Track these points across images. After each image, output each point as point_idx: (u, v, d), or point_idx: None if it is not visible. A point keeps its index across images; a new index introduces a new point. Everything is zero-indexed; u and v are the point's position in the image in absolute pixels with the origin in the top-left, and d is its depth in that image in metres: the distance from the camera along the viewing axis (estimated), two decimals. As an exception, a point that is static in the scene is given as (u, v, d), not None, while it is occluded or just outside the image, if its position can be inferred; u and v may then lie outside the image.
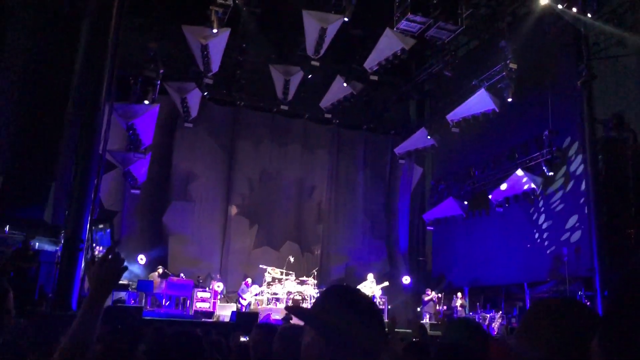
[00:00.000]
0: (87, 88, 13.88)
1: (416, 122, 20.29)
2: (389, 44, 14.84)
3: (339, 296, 1.50)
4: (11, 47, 13.43)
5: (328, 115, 19.31)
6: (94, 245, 13.35)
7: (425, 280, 18.97)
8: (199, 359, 1.99)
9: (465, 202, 18.27)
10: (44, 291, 12.54)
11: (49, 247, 13.47)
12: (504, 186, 15.93)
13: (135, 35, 15.60)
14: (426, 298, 16.64)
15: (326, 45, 15.43)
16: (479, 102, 15.82)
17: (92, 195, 13.71)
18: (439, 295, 16.88)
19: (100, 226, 14.87)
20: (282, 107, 18.53)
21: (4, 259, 11.66)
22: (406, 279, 18.67)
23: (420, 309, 16.57)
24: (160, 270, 15.46)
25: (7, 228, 12.69)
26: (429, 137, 18.26)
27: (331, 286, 1.58)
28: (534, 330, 1.30)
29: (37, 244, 13.09)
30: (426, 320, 15.80)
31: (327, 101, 18.52)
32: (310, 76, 17.65)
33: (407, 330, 10.73)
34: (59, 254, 12.85)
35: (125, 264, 1.72)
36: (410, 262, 20.49)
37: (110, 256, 1.63)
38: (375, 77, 16.35)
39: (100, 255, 1.66)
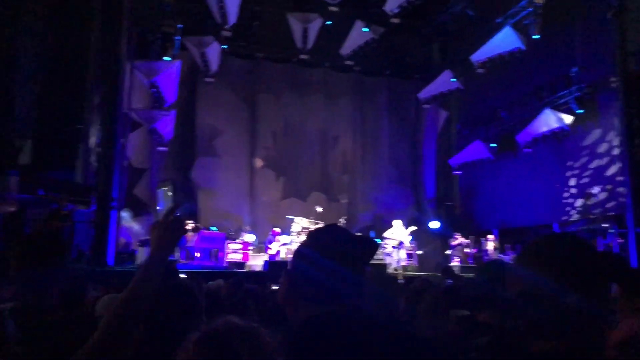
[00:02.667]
0: (106, 47, 13.88)
1: (440, 65, 19.81)
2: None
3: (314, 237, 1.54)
4: (29, 10, 13.40)
5: (349, 63, 18.99)
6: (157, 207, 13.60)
7: (454, 224, 18.96)
8: (196, 309, 2.02)
9: (493, 145, 18.02)
10: (80, 249, 12.96)
11: (81, 207, 13.79)
12: (533, 126, 15.63)
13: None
14: (454, 242, 16.69)
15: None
16: (504, 40, 15.33)
17: (120, 155, 13.94)
18: (467, 239, 16.92)
19: (164, 188, 15.08)
20: (302, 56, 18.28)
21: (40, 219, 12.01)
22: (435, 224, 18.71)
23: (450, 252, 16.65)
24: (192, 225, 15.76)
25: (40, 191, 12.97)
26: (453, 79, 17.88)
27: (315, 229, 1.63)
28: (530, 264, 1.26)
29: (69, 204, 13.41)
30: (455, 263, 15.91)
31: (347, 48, 18.17)
32: (329, 23, 17.29)
33: (437, 274, 10.82)
34: (92, 213, 13.20)
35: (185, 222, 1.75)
36: (438, 207, 20.49)
37: (170, 219, 1.64)
38: (396, 20, 15.94)
39: (160, 218, 1.70)
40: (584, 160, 15.01)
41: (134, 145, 16.39)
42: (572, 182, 15.32)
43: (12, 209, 10.76)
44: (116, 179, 13.65)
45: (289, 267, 1.56)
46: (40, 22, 13.64)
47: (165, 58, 16.15)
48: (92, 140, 14.11)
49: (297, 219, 16.36)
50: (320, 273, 1.44)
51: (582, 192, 14.77)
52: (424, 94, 19.22)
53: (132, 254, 14.40)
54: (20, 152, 13.24)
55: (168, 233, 1.64)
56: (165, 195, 15.81)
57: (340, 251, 1.47)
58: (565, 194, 15.42)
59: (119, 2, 13.50)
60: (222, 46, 17.12)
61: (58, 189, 13.10)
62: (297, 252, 1.56)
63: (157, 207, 14.53)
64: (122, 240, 14.47)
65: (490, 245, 16.17)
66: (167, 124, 16.37)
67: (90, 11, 14.15)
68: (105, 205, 13.06)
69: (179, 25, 16.23)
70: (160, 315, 1.86)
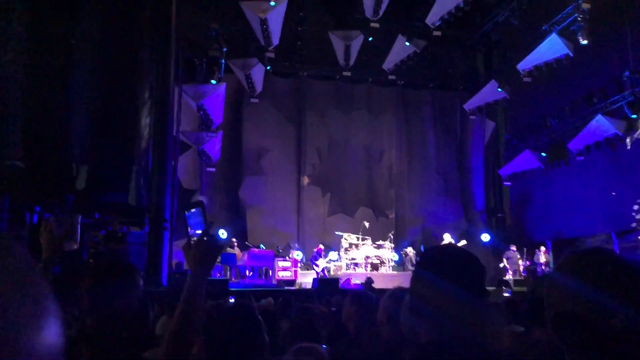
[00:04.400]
0: (156, 73, 14.35)
1: (485, 75, 19.57)
2: (450, -3, 14.32)
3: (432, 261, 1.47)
4: (82, 40, 14.02)
5: (392, 77, 18.99)
6: (188, 229, 13.90)
7: (505, 236, 18.55)
8: (257, 331, 2.04)
9: (543, 154, 17.59)
10: (134, 269, 13.28)
11: (135, 229, 14.16)
12: (585, 133, 15.19)
13: (196, 17, 15.89)
14: (509, 254, 16.31)
15: (385, 5, 15.09)
16: (551, 47, 15.03)
17: (171, 176, 14.30)
18: (519, 251, 16.49)
19: (193, 210, 15.43)
20: (345, 73, 18.40)
21: (96, 242, 12.41)
22: (485, 237, 18.34)
23: (503, 265, 16.27)
24: (236, 243, 15.95)
25: (96, 214, 13.43)
26: (499, 89, 17.61)
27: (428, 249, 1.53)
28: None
29: (124, 226, 13.80)
30: (509, 276, 15.53)
31: (389, 62, 18.20)
32: (370, 39, 17.36)
33: (492, 288, 10.59)
34: (145, 234, 13.55)
35: (221, 241, 1.82)
36: (488, 219, 20.09)
37: (205, 238, 1.71)
38: (438, 33, 15.88)
39: (195, 238, 1.75)
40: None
41: (184, 167, 16.80)
42: (630, 189, 14.75)
43: (75, 246, 11.14)
44: (167, 200, 13.98)
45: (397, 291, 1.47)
46: (92, 52, 14.24)
47: (211, 81, 16.57)
48: (144, 163, 14.54)
49: (345, 235, 16.35)
50: (441, 295, 1.37)
51: (641, 199, 14.19)
52: (469, 104, 18.99)
53: (184, 273, 14.66)
54: (76, 177, 13.78)
55: (204, 253, 1.70)
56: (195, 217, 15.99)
57: (461, 274, 1.39)
58: (622, 202, 14.86)
59: (167, 29, 13.94)
60: (266, 67, 17.43)
61: (112, 211, 13.53)
62: (416, 274, 1.49)
63: (189, 230, 14.78)
64: (175, 260, 14.76)
65: (543, 257, 15.71)
66: (214, 145, 16.73)
67: (140, 39, 14.70)
68: (157, 227, 13.37)
69: (224, 49, 16.63)
70: (223, 336, 1.91)
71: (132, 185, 14.87)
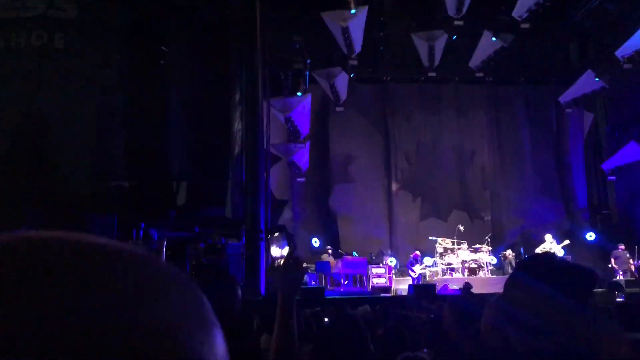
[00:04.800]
0: (245, 88, 14.88)
1: (580, 66, 18.50)
2: (537, -14, 13.71)
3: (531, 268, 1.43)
4: (172, 63, 14.80)
5: (480, 74, 18.43)
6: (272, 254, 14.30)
7: (613, 234, 17.37)
8: (364, 341, 2.05)
9: (651, 144, 16.36)
10: (235, 280, 13.76)
11: (233, 241, 14.66)
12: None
13: (279, 32, 16.31)
14: (617, 253, 15.25)
15: (468, 1, 14.71)
16: (654, 30, 13.99)
17: (264, 188, 14.71)
18: (628, 249, 15.37)
19: (276, 235, 15.82)
20: (430, 74, 18.11)
21: (197, 255, 12.98)
22: (590, 235, 17.28)
23: (611, 265, 15.24)
24: (330, 251, 16.11)
25: (196, 228, 14.05)
26: (597, 79, 16.58)
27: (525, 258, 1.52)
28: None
29: (223, 238, 14.32)
30: (620, 277, 14.52)
31: (476, 60, 17.66)
32: (455, 37, 16.97)
33: (602, 290, 9.95)
34: (242, 245, 14.01)
35: (305, 265, 1.93)
36: (592, 216, 18.94)
37: (290, 261, 1.81)
38: (526, 25, 15.22)
39: (281, 262, 1.86)
40: None
41: (275, 178, 17.24)
42: None
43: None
44: (262, 211, 14.38)
45: (495, 297, 1.46)
46: (185, 73, 14.99)
47: (297, 93, 16.92)
48: (238, 177, 15.06)
49: (439, 240, 16.03)
50: (540, 302, 1.36)
51: None
52: (565, 97, 18.02)
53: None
54: (177, 194, 14.51)
55: (290, 275, 1.80)
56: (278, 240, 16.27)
57: (561, 281, 1.37)
58: None
59: (253, 45, 14.41)
60: (350, 75, 17.53)
61: (211, 225, 14.11)
62: (513, 280, 1.47)
63: (272, 252, 15.05)
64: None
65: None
66: (303, 156, 17.05)
67: (228, 57, 15.29)
68: (254, 238, 13.78)
69: (308, 61, 16.93)
70: (332, 346, 1.94)
71: (228, 199, 15.43)
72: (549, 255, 1.49)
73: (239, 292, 2.18)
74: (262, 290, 13.71)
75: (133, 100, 13.69)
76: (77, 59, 13.22)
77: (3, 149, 12.70)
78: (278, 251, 14.73)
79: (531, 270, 1.41)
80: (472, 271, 15.28)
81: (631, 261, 15.10)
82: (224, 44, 15.18)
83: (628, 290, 12.66)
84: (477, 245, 15.87)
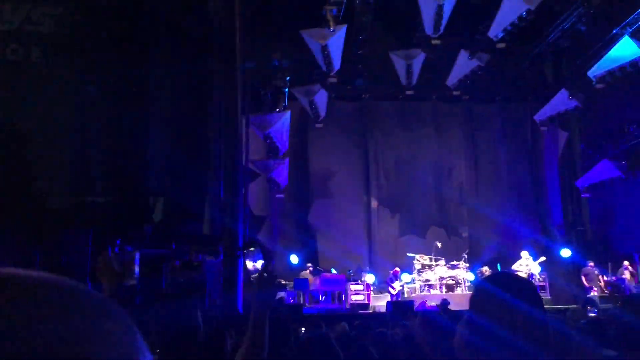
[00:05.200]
0: (225, 105, 14.86)
1: (554, 84, 18.89)
2: (512, 7, 14.01)
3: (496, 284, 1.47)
4: (155, 78, 14.76)
5: (457, 93, 18.71)
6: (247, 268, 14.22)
7: (587, 251, 17.64)
8: None
9: (623, 162, 16.70)
10: (212, 297, 13.62)
11: (210, 258, 14.52)
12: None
13: (259, 49, 16.36)
14: (586, 271, 15.45)
15: (445, 21, 14.96)
16: (624, 51, 14.36)
17: (242, 204, 14.63)
18: (601, 265, 15.60)
19: (252, 249, 15.76)
20: (408, 92, 18.32)
21: (174, 271, 12.83)
22: (566, 252, 17.51)
23: (585, 282, 15.43)
24: (311, 268, 16.06)
25: (173, 244, 13.91)
26: (570, 98, 16.94)
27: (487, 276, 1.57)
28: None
29: (200, 255, 14.19)
30: (593, 293, 14.70)
31: (453, 78, 17.93)
32: (432, 56, 17.22)
33: (575, 306, 10.08)
34: (220, 262, 13.87)
35: (282, 281, 1.97)
36: (568, 233, 19.21)
37: (265, 275, 1.85)
38: (502, 45, 15.53)
39: (255, 275, 1.90)
40: None
41: (254, 195, 17.16)
42: None
43: (133, 282, 11.65)
44: (240, 228, 14.30)
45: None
46: (165, 89, 14.94)
47: (276, 110, 16.95)
48: (216, 193, 14.97)
49: (417, 256, 16.09)
50: (506, 313, 1.40)
51: None
52: (540, 115, 18.36)
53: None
54: (153, 210, 14.37)
55: (264, 289, 1.85)
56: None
57: (521, 291, 1.43)
58: None
59: (233, 61, 14.42)
60: (329, 93, 17.64)
61: (188, 241, 13.98)
62: (478, 293, 1.52)
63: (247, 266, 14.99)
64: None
65: (628, 272, 14.78)
66: (282, 172, 17.04)
67: (207, 73, 15.28)
68: (232, 254, 13.66)
69: (287, 78, 17.00)
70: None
71: (206, 215, 15.33)
72: (502, 272, 1.57)
73: (199, 314, 2.19)
74: (241, 308, 13.58)
75: (111, 115, 13.59)
76: (54, 74, 13.10)
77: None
78: (251, 265, 14.63)
79: (494, 284, 1.47)
80: (450, 288, 15.34)
81: (600, 277, 15.30)
82: (203, 59, 15.19)
83: (602, 306, 12.82)
84: (455, 262, 15.96)
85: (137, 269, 11.91)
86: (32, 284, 0.45)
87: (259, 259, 15.06)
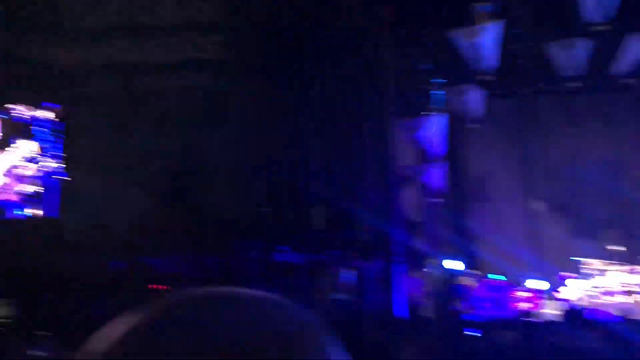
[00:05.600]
0: (376, 110, 15.12)
1: None
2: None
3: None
4: (313, 91, 15.42)
5: (627, 81, 17.12)
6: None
7: None
8: None
9: None
10: (368, 300, 13.87)
11: (368, 264, 14.81)
12: None
13: (411, 51, 16.40)
14: None
15: (611, 5, 13.79)
16: None
17: (397, 210, 14.77)
18: None
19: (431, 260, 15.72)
20: (570, 84, 17.17)
21: (334, 276, 13.32)
22: None
23: None
24: (472, 274, 15.70)
25: (333, 251, 14.41)
26: None
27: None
28: None
29: (358, 261, 14.53)
30: None
31: (622, 66, 16.42)
32: (597, 44, 15.92)
33: None
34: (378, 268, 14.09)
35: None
36: None
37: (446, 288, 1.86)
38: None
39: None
40: None
41: (408, 200, 17.17)
42: None
43: None
44: (395, 234, 14.41)
45: None
46: (319, 99, 15.55)
47: (431, 113, 16.82)
48: (371, 199, 15.25)
49: (589, 261, 15.03)
50: None
51: None
52: None
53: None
54: (316, 218, 15.05)
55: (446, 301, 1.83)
56: None
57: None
58: None
59: (384, 65, 14.63)
60: (486, 92, 17.13)
61: (346, 247, 14.43)
62: None
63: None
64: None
65: None
66: (437, 176, 16.84)
67: (359, 79, 15.62)
68: (388, 261, 13.84)
69: (442, 80, 16.81)
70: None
71: (362, 221, 15.67)
72: None
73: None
74: (397, 312, 13.67)
75: (273, 129, 14.50)
76: (223, 98, 14.32)
77: (162, 184, 14.01)
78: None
79: None
80: (629, 294, 14.10)
81: None
82: (354, 69, 15.56)
83: None
84: (632, 266, 14.64)
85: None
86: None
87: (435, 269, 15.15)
